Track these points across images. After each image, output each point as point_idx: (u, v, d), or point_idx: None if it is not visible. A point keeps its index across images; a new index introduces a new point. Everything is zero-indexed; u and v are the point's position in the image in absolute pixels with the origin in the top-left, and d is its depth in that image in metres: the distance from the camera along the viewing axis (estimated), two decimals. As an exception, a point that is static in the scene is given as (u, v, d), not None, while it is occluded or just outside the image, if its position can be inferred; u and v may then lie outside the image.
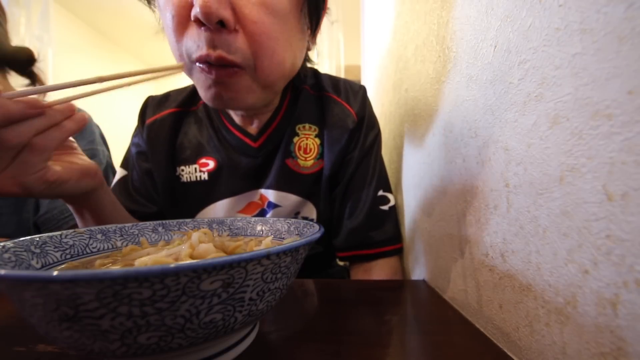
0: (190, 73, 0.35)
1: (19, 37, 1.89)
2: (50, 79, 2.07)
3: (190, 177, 0.45)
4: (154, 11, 0.39)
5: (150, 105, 0.48)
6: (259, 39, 0.32)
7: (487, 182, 0.24)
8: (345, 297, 0.32)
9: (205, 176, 0.45)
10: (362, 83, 0.63)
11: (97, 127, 0.67)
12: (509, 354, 0.21)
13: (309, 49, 0.43)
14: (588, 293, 0.15)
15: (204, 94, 0.36)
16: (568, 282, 0.16)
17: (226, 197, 0.45)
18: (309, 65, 0.49)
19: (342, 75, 1.98)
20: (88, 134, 0.61)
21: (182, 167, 0.46)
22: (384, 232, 0.44)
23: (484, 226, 0.24)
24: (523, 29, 0.20)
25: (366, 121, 0.47)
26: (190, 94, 0.49)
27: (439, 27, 0.34)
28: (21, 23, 1.90)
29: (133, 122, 0.49)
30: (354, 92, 0.48)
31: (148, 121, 0.46)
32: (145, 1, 0.38)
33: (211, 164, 0.45)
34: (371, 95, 0.85)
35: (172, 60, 0.36)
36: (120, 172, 0.47)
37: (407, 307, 0.31)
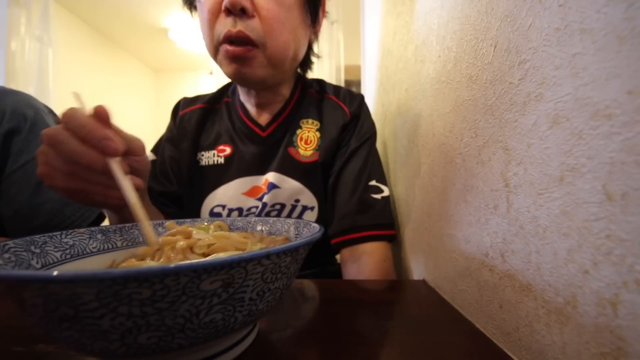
0: (215, 56, 0.45)
1: (19, 37, 1.89)
2: (50, 79, 2.07)
3: (208, 161, 0.52)
4: (191, 12, 0.50)
5: (183, 103, 0.57)
6: (270, 22, 0.42)
7: (487, 182, 0.24)
8: (345, 297, 0.32)
9: (222, 160, 0.52)
10: (362, 83, 0.70)
11: (55, 117, 0.56)
12: (509, 354, 0.21)
13: (311, 41, 0.53)
14: (588, 293, 0.15)
15: (226, 70, 0.45)
16: (568, 282, 0.16)
17: (234, 179, 0.51)
18: (313, 58, 0.58)
19: (342, 75, 1.98)
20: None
21: (203, 153, 0.53)
22: (372, 217, 0.46)
23: (484, 226, 0.24)
24: (523, 29, 0.20)
25: (361, 120, 0.52)
26: (216, 95, 0.58)
27: (439, 27, 0.34)
28: (21, 23, 1.90)
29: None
30: (352, 96, 0.55)
31: (181, 113, 0.55)
32: (187, 5, 0.49)
33: (228, 150, 0.52)
34: (371, 95, 0.85)
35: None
36: (150, 156, 0.54)
37: (407, 307, 0.31)
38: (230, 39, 0.41)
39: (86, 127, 0.27)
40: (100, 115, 0.29)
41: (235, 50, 0.41)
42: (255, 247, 0.23)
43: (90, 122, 0.28)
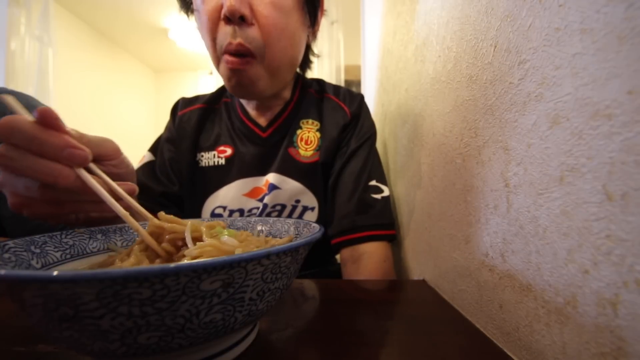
0: (218, 65, 0.45)
1: (19, 37, 1.89)
2: (50, 79, 2.07)
3: (208, 162, 0.52)
4: (187, 15, 0.50)
5: (182, 103, 0.57)
6: (269, 29, 0.41)
7: (487, 182, 0.24)
8: (345, 297, 0.32)
9: (222, 161, 0.51)
10: (362, 83, 0.70)
11: None
12: (509, 354, 0.21)
13: (310, 42, 0.53)
14: (588, 293, 0.15)
15: (227, 84, 0.45)
16: (568, 282, 0.16)
17: (235, 181, 0.50)
18: (312, 58, 0.57)
19: (342, 75, 1.98)
20: None
21: (202, 154, 0.52)
22: (372, 217, 0.46)
23: (484, 226, 0.24)
24: (523, 29, 0.20)
25: (361, 120, 0.52)
26: (215, 95, 0.57)
27: (439, 27, 0.34)
28: (21, 23, 1.90)
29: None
30: (352, 96, 0.55)
31: (180, 113, 0.55)
32: (184, 11, 0.49)
33: (228, 151, 0.52)
34: (371, 95, 0.85)
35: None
36: (148, 156, 0.54)
37: (407, 307, 0.31)
38: (230, 52, 0.41)
39: (37, 137, 0.21)
40: (47, 119, 0.22)
41: (234, 61, 0.41)
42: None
43: (39, 130, 0.22)
